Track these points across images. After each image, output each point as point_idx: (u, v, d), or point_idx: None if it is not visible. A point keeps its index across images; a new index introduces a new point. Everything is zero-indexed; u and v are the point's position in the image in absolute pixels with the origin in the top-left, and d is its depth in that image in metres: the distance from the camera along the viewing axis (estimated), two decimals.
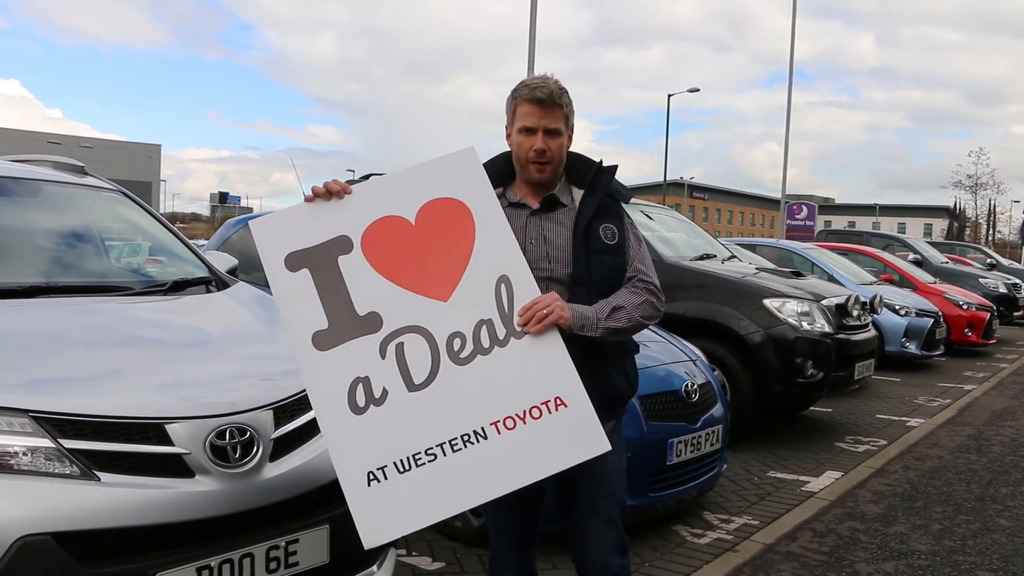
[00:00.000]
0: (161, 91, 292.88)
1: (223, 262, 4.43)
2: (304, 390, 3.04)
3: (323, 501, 2.98)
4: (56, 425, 2.56)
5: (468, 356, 2.56)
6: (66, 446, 2.54)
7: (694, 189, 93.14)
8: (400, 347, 2.56)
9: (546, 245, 2.81)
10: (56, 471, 2.51)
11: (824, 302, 7.72)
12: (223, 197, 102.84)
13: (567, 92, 2.82)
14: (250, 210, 75.64)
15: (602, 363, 2.80)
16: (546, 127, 2.77)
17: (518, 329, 2.57)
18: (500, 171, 2.88)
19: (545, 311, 2.58)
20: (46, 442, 2.53)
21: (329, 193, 2.67)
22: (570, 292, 2.75)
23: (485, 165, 2.88)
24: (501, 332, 2.57)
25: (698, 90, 44.58)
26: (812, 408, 8.60)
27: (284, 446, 2.93)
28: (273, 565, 2.80)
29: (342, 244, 2.61)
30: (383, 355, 2.55)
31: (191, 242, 4.59)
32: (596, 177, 2.88)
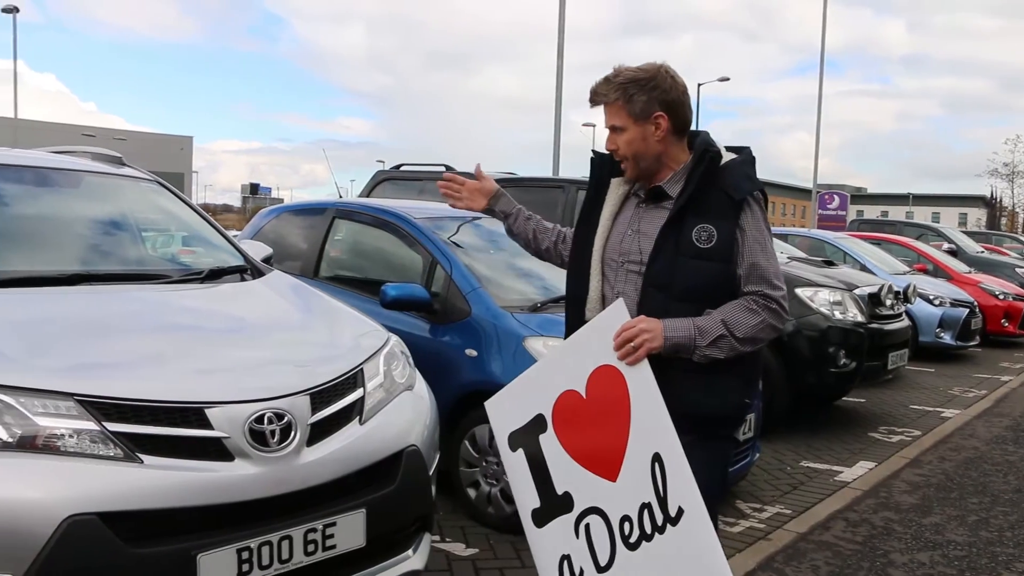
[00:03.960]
0: (192, 83, 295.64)
1: (258, 251, 4.47)
2: (340, 376, 3.12)
3: (359, 486, 3.02)
4: (100, 408, 2.61)
5: (636, 542, 2.43)
6: (110, 429, 2.59)
7: None
8: (588, 527, 2.52)
9: (639, 239, 2.64)
10: (101, 453, 2.56)
11: (857, 291, 7.67)
12: (254, 188, 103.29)
13: (619, 86, 2.61)
14: (280, 201, 76.10)
15: (678, 374, 2.51)
16: (608, 125, 2.66)
17: (672, 515, 2.35)
18: None
19: (633, 345, 2.41)
20: (91, 425, 2.58)
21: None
22: (644, 293, 2.59)
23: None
24: (659, 517, 2.38)
25: (728, 79, 44.12)
26: (845, 398, 8.55)
27: (321, 431, 2.96)
28: (311, 547, 2.83)
29: (540, 423, 2.59)
30: (577, 535, 2.54)
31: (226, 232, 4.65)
32: (695, 167, 2.60)
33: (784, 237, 12.91)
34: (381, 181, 10.10)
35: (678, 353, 2.48)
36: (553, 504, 2.60)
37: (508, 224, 3.09)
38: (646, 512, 2.40)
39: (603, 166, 2.84)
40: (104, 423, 2.59)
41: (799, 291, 7.32)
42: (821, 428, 7.62)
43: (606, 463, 2.48)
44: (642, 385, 2.41)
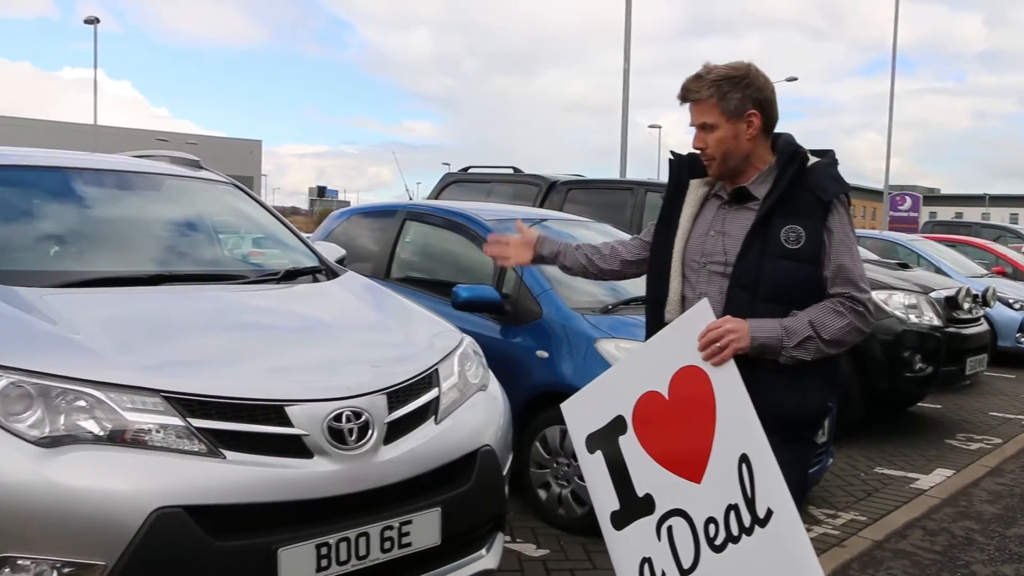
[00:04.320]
0: (261, 88, 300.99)
1: (332, 252, 4.54)
2: (416, 376, 3.16)
3: (435, 485, 3.06)
4: (185, 405, 2.68)
5: (722, 544, 2.40)
6: (195, 425, 2.66)
7: None
8: (670, 530, 2.49)
9: (723, 239, 2.62)
10: (185, 448, 2.63)
11: (933, 295, 7.51)
12: (321, 191, 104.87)
13: (712, 82, 2.57)
14: (347, 203, 76.99)
15: (764, 375, 2.47)
16: (697, 123, 2.62)
17: (761, 517, 2.32)
18: None
19: (719, 345, 2.38)
20: (176, 420, 2.65)
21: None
22: (728, 293, 2.56)
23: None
24: (747, 519, 2.34)
25: (796, 79, 43.51)
26: (920, 404, 8.37)
27: (397, 430, 3.00)
28: (387, 545, 2.87)
29: (620, 424, 2.58)
30: (659, 537, 2.51)
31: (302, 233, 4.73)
32: (784, 168, 2.58)
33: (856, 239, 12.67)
34: (449, 183, 10.18)
35: (764, 354, 2.45)
36: (633, 506, 2.57)
37: (560, 263, 3.08)
38: (732, 514, 2.37)
39: (682, 167, 2.82)
40: (189, 419, 2.66)
41: (873, 294, 7.18)
42: (896, 434, 7.48)
43: (690, 465, 2.45)
44: (728, 385, 2.38)
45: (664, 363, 2.50)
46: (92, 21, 39.37)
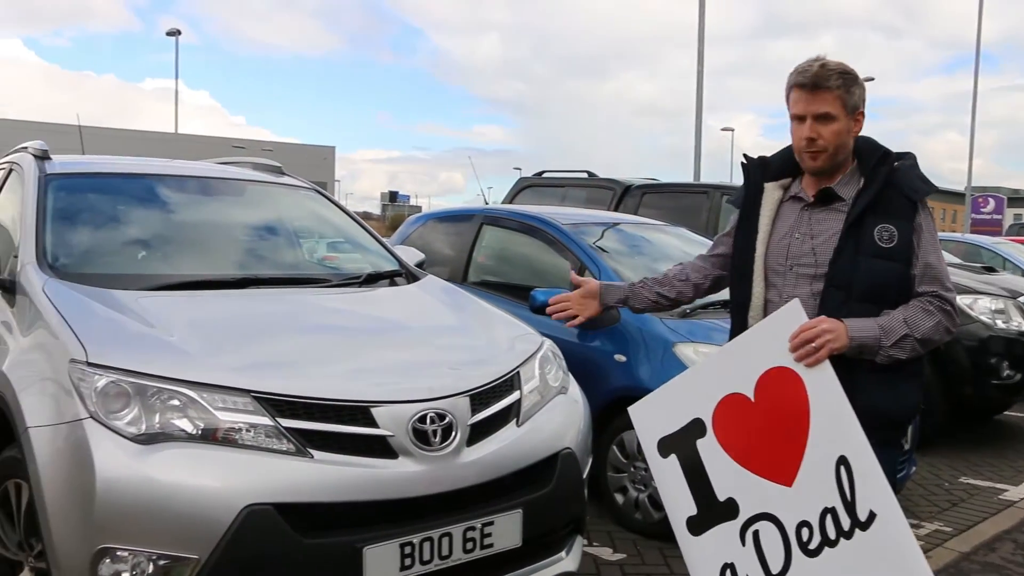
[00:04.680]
0: (334, 95, 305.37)
1: (411, 256, 4.61)
2: (498, 378, 3.19)
3: (516, 486, 3.09)
4: (274, 405, 2.76)
5: (816, 548, 2.36)
6: (283, 424, 2.73)
7: None
8: (756, 534, 2.45)
9: (811, 241, 2.61)
10: (274, 447, 2.71)
11: (1021, 299, 7.30)
12: (393, 196, 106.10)
13: (841, 73, 2.56)
14: (419, 208, 77.66)
15: (863, 375, 2.47)
16: (814, 113, 2.55)
17: (862, 520, 2.29)
18: (791, 161, 2.72)
19: (814, 346, 2.36)
20: (266, 420, 2.73)
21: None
22: (824, 294, 2.56)
23: (773, 157, 2.80)
24: (845, 522, 2.31)
25: (872, 79, 42.61)
26: (1008, 412, 8.13)
27: (480, 432, 3.04)
28: (469, 545, 2.91)
29: (698, 428, 2.54)
30: (743, 542, 2.47)
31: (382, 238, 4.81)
32: (877, 167, 2.58)
33: None
34: (524, 188, 10.21)
35: (862, 354, 2.44)
36: (713, 511, 2.54)
37: (631, 306, 3.05)
38: (829, 517, 2.33)
39: (755, 171, 2.82)
40: (278, 419, 2.74)
41: (957, 298, 7.00)
42: (981, 443, 7.28)
43: (780, 468, 2.42)
44: (824, 387, 2.34)
45: (749, 365, 2.47)
46: (174, 33, 40.41)
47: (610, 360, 4.75)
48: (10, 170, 4.50)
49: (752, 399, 2.46)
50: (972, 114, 31.32)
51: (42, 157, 4.24)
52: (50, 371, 2.88)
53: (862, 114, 2.61)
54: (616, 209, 8.80)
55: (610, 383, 4.70)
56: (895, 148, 2.66)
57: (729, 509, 2.50)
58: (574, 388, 3.67)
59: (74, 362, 2.80)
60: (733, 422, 2.50)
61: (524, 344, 3.59)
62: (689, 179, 16.22)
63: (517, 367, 3.34)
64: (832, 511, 2.32)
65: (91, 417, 2.67)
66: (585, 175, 9.94)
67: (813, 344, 2.36)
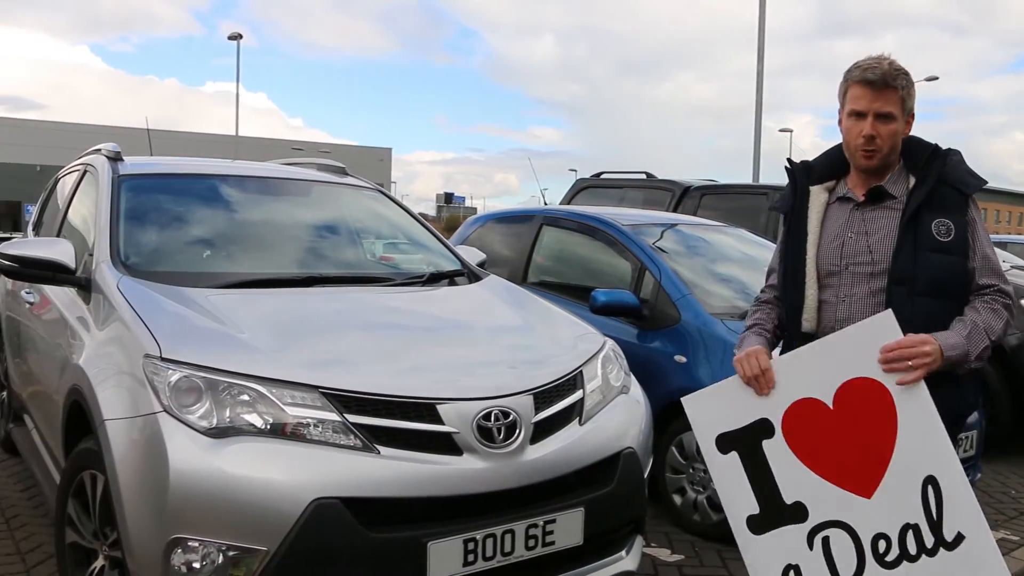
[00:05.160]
0: (391, 98, 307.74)
1: (472, 256, 4.65)
2: (561, 377, 3.21)
3: (578, 485, 3.10)
4: (342, 401, 2.81)
5: (894, 560, 2.36)
6: (350, 420, 2.78)
7: None
8: (826, 540, 2.44)
9: (867, 239, 2.62)
10: (342, 443, 2.75)
11: None
12: (448, 197, 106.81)
13: (905, 74, 2.59)
14: (474, 210, 77.96)
15: (932, 375, 2.43)
16: (877, 111, 2.56)
17: (948, 540, 2.28)
18: (835, 162, 2.75)
19: (911, 363, 2.35)
20: (333, 416, 2.78)
21: (755, 380, 2.55)
22: (888, 291, 2.56)
23: (816, 160, 2.80)
24: (929, 540, 2.31)
25: (936, 78, 41.73)
26: None
27: (543, 430, 3.06)
28: (531, 543, 2.93)
29: (765, 427, 2.51)
30: (811, 546, 2.46)
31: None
32: (929, 163, 2.61)
33: (1003, 245, 12.13)
34: (581, 189, 10.21)
35: (950, 368, 2.45)
36: (779, 512, 2.50)
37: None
38: (911, 533, 2.32)
39: (800, 175, 2.83)
40: (345, 414, 2.78)
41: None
42: None
43: (859, 479, 2.39)
44: (916, 403, 2.32)
45: (830, 372, 2.44)
46: (235, 37, 40.96)
47: (670, 361, 4.75)
48: (84, 171, 4.64)
49: (831, 406, 2.43)
50: None
51: (115, 159, 4.35)
52: (125, 365, 2.97)
53: (913, 116, 2.65)
54: (675, 210, 8.76)
55: (670, 384, 4.68)
56: (958, 149, 2.67)
57: (797, 512, 2.48)
58: (635, 388, 3.68)
59: (148, 357, 2.88)
60: (807, 427, 2.46)
61: (587, 344, 3.60)
62: (747, 180, 16.07)
63: (580, 366, 3.35)
64: (915, 527, 2.31)
65: (164, 411, 2.74)
66: (644, 176, 9.91)
67: (910, 363, 2.35)
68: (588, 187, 10.23)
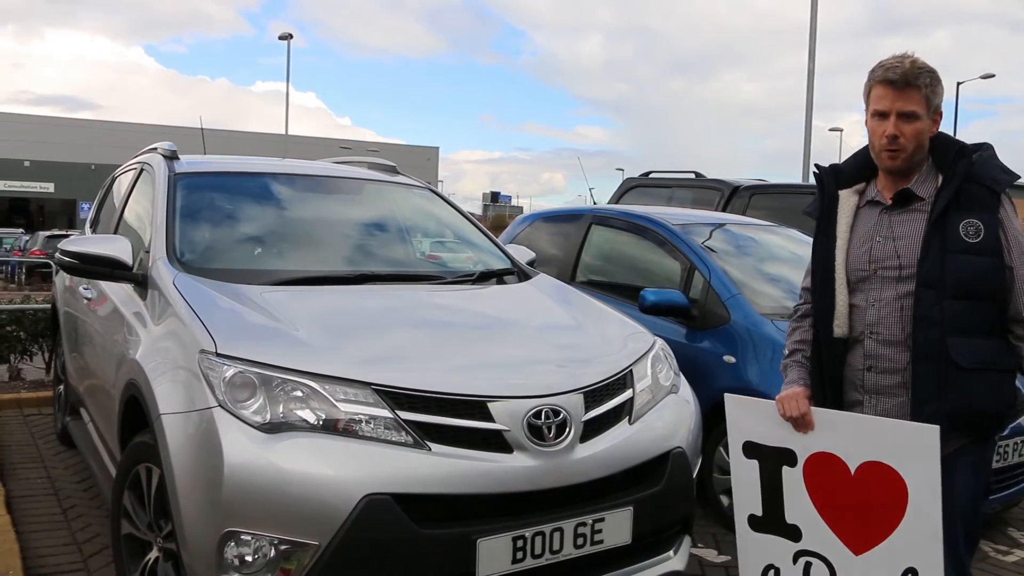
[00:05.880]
0: (438, 97, 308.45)
1: (522, 255, 4.66)
2: (612, 376, 3.22)
3: (627, 484, 3.10)
4: (394, 398, 2.83)
5: None
6: (402, 417, 2.80)
7: None
8: (808, 565, 2.63)
9: (895, 243, 2.60)
10: (393, 439, 2.77)
11: None
12: (494, 196, 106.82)
13: (929, 71, 2.55)
14: (520, 209, 78.01)
15: (958, 373, 2.48)
16: (899, 110, 2.53)
17: None
18: (863, 164, 2.73)
19: None
20: (385, 412, 2.80)
21: (794, 421, 2.62)
22: (917, 294, 2.53)
23: (844, 164, 2.79)
24: None
25: (993, 76, 40.95)
26: None
27: (593, 429, 3.06)
28: (580, 541, 2.93)
29: (788, 456, 2.64)
30: (795, 563, 2.66)
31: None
32: (955, 162, 2.56)
33: None
34: (630, 188, 10.17)
35: None
36: (777, 524, 2.67)
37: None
38: None
39: (829, 180, 2.81)
40: (397, 411, 2.80)
41: None
42: None
43: (855, 538, 2.53)
44: (925, 507, 2.41)
45: (864, 446, 2.52)
46: (286, 37, 41.33)
47: (719, 361, 4.72)
48: (141, 170, 4.73)
49: (852, 472, 2.53)
50: None
51: (171, 157, 4.42)
52: (181, 360, 3.02)
53: (940, 114, 2.61)
54: (724, 210, 8.69)
55: (719, 384, 4.65)
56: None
57: (793, 531, 2.65)
58: (685, 388, 3.66)
59: (204, 352, 2.92)
60: (825, 476, 2.59)
61: (636, 343, 3.60)
62: (796, 180, 15.90)
63: (630, 366, 3.35)
64: None
65: (219, 406, 2.78)
66: (692, 176, 9.85)
67: None
68: (636, 186, 10.19)
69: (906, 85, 2.53)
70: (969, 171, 2.54)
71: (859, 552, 2.53)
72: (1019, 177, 2.61)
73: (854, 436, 2.54)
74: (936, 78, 2.56)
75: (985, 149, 2.61)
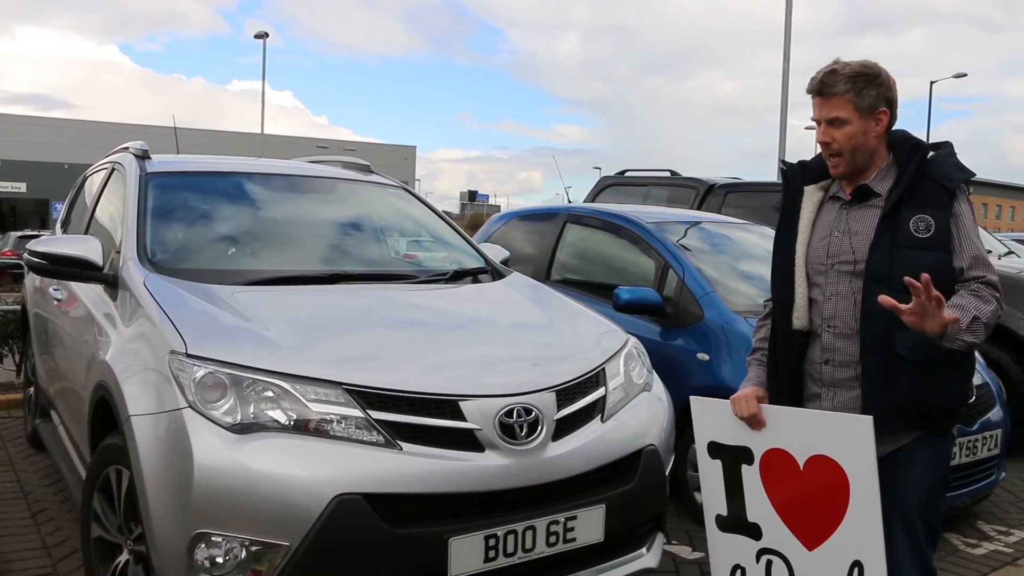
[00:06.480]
0: (416, 96, 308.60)
1: (496, 253, 4.66)
2: (584, 374, 3.23)
3: (599, 482, 3.11)
4: (365, 397, 2.82)
5: None
6: (374, 417, 2.79)
7: None
8: (770, 563, 2.70)
9: (850, 238, 2.64)
10: (364, 439, 2.77)
11: None
12: (472, 195, 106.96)
13: (850, 76, 2.58)
14: (497, 208, 77.99)
15: (905, 368, 2.53)
16: (825, 118, 2.62)
17: None
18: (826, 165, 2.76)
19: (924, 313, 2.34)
20: (356, 412, 2.79)
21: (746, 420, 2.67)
22: (865, 288, 2.57)
23: (813, 160, 2.83)
24: None
25: (965, 75, 41.39)
26: None
27: (565, 427, 3.06)
28: (552, 539, 2.93)
29: (746, 454, 2.69)
30: (757, 561, 2.72)
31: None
32: (908, 159, 2.62)
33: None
34: (606, 187, 10.18)
35: (943, 341, 2.43)
36: (740, 524, 2.73)
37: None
38: None
39: (795, 175, 2.86)
40: (368, 411, 2.80)
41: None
42: None
43: (807, 534, 2.60)
44: (865, 496, 2.47)
45: (809, 440, 2.57)
46: (262, 36, 41.09)
47: (693, 359, 4.74)
48: (112, 169, 4.69)
49: (801, 467, 2.59)
50: None
51: (142, 157, 4.39)
52: (151, 361, 3.00)
53: (885, 112, 2.62)
54: (699, 208, 8.72)
55: (692, 381, 4.68)
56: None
57: (754, 530, 2.71)
58: (658, 386, 3.68)
59: (174, 353, 2.90)
60: (778, 473, 2.64)
61: (609, 341, 3.60)
62: (771, 178, 15.97)
63: (602, 364, 3.36)
64: None
65: (189, 407, 2.76)
66: (668, 174, 9.87)
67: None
68: (612, 185, 10.20)
69: (822, 93, 2.61)
70: (923, 168, 2.59)
71: (812, 547, 2.60)
72: (974, 175, 2.64)
73: (799, 431, 2.60)
74: (864, 79, 2.59)
75: (944, 147, 2.66)
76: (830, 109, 2.61)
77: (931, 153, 2.64)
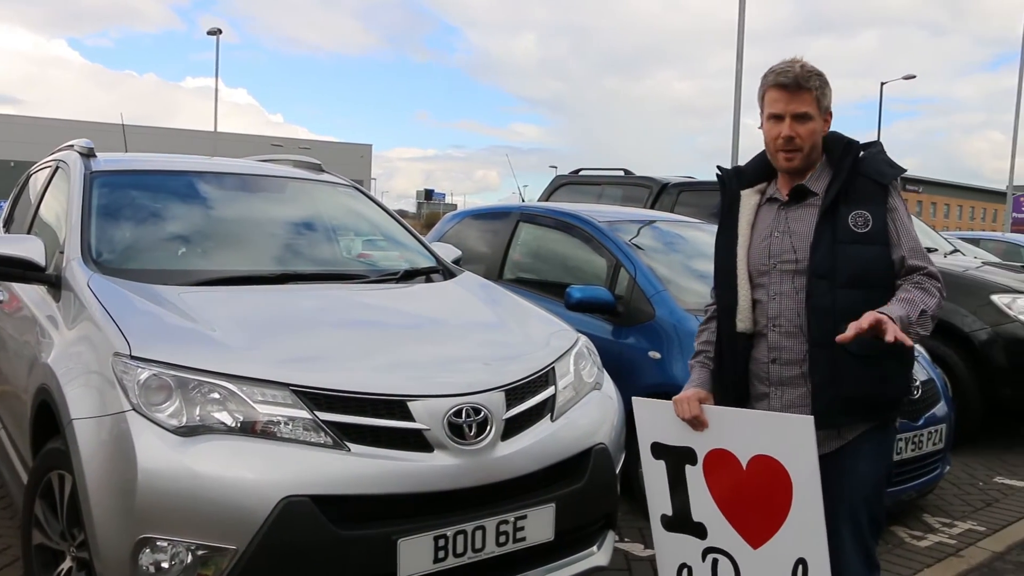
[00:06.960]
0: (372, 94, 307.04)
1: (448, 253, 4.66)
2: (533, 374, 3.23)
3: (549, 481, 3.11)
4: (312, 398, 2.80)
5: None
6: (321, 418, 2.77)
7: (907, 182, 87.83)
8: (716, 562, 2.73)
9: (791, 237, 2.69)
10: (312, 440, 2.75)
11: None
12: (428, 194, 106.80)
13: (818, 75, 2.66)
14: (454, 206, 77.90)
15: (849, 360, 2.56)
16: (793, 112, 2.64)
17: None
18: (766, 166, 2.81)
19: (885, 330, 2.37)
20: (304, 413, 2.77)
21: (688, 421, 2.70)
22: (809, 285, 2.62)
23: (747, 165, 2.88)
24: None
25: (914, 77, 42.19)
26: None
27: (514, 427, 3.06)
28: (502, 539, 2.93)
29: (690, 456, 2.72)
30: (703, 560, 2.76)
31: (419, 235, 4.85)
32: (842, 157, 2.68)
33: (976, 242, 12.25)
34: (560, 186, 10.22)
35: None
36: (685, 523, 2.76)
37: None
38: None
39: (731, 180, 2.91)
40: (316, 412, 2.78)
41: (995, 297, 6.91)
42: (1018, 444, 7.17)
43: (751, 532, 2.64)
44: (807, 494, 2.52)
45: (751, 440, 2.61)
46: (215, 32, 40.69)
47: (644, 357, 4.77)
48: (56, 167, 4.60)
49: (744, 467, 2.63)
50: (1016, 112, 30.76)
51: (87, 155, 4.32)
52: (94, 364, 2.95)
53: (831, 115, 2.72)
54: (652, 207, 8.79)
55: (644, 380, 4.71)
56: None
57: (699, 529, 2.75)
58: (608, 384, 3.69)
59: (117, 355, 2.86)
60: (721, 473, 2.67)
61: (559, 340, 3.61)
62: None
63: (552, 363, 3.36)
64: None
65: (133, 409, 2.72)
66: (622, 173, 9.93)
67: (888, 336, 2.35)
68: (566, 184, 10.24)
69: (798, 88, 2.63)
70: (857, 166, 2.66)
71: (756, 546, 2.64)
72: (905, 171, 2.73)
73: (742, 431, 2.64)
74: (824, 81, 2.68)
75: (874, 146, 2.74)
76: (799, 104, 2.64)
77: (862, 152, 2.71)
